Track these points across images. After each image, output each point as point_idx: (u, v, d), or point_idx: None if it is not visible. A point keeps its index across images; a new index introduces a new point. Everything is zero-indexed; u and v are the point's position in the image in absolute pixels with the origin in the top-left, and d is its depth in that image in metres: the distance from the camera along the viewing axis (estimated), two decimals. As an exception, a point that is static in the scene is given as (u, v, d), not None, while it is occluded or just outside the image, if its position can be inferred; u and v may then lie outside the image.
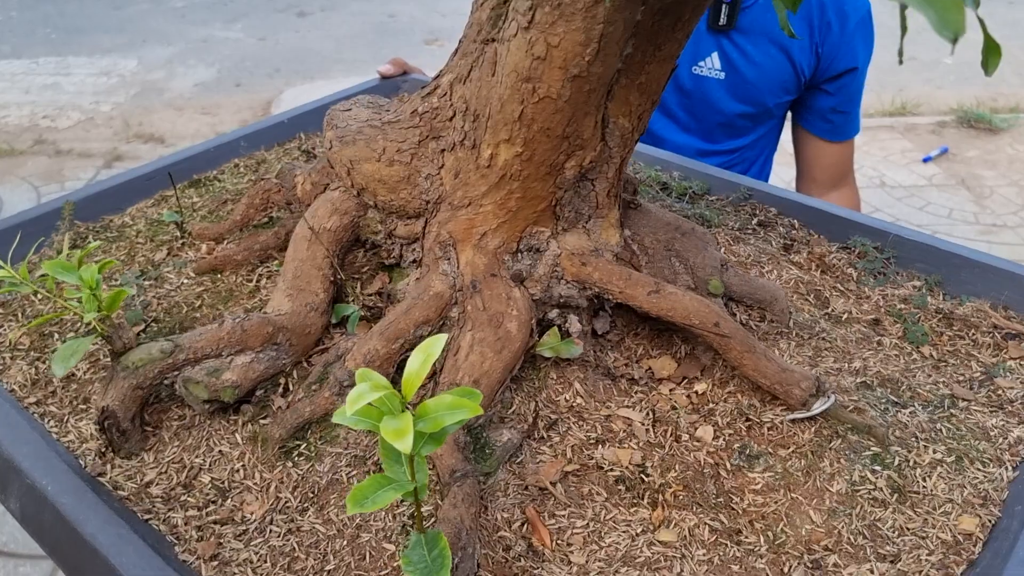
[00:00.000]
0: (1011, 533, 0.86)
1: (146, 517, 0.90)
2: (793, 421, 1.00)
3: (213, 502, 0.92)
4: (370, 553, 0.87)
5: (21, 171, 4.35)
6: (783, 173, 3.04)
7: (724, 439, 0.99)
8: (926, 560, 0.86)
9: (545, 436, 0.99)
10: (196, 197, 1.48)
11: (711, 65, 1.72)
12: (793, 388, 0.98)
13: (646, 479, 0.95)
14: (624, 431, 1.00)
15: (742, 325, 1.07)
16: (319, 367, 1.00)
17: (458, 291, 0.97)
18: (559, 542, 0.88)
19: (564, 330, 1.01)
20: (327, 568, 0.85)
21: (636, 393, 1.05)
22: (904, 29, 0.70)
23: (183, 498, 0.93)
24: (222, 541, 0.88)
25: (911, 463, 0.97)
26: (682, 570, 0.85)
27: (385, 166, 0.99)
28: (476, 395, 0.73)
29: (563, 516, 0.91)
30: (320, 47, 6.20)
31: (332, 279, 1.06)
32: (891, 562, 0.86)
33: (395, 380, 1.01)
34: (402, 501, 0.91)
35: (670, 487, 0.94)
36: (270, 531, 0.89)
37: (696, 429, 0.99)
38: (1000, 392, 1.09)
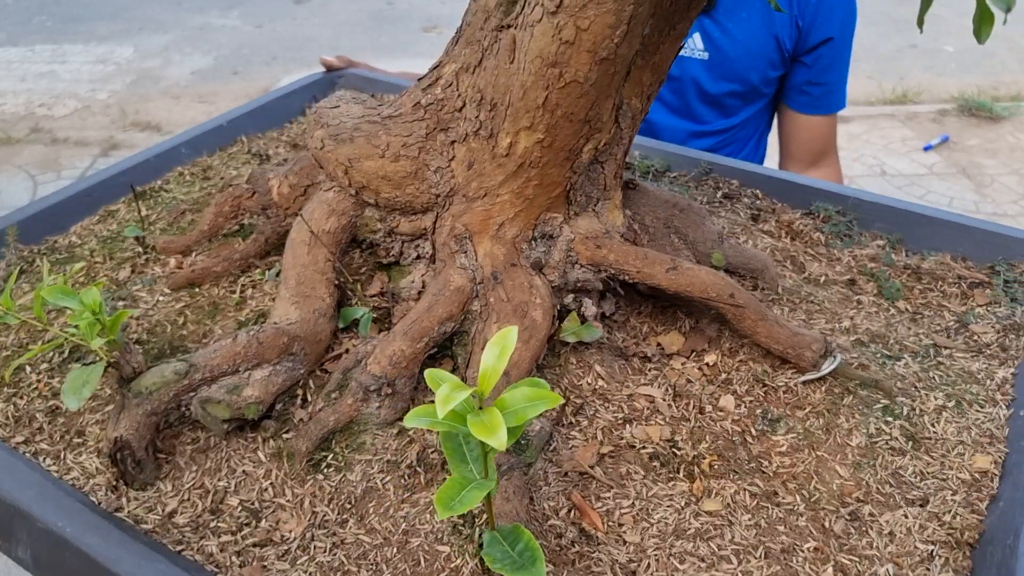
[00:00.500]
0: (1019, 467, 0.92)
1: (178, 548, 0.85)
2: (805, 383, 1.04)
3: (247, 524, 0.88)
4: (424, 558, 0.85)
5: (17, 160, 4.28)
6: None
7: (745, 406, 1.01)
8: (952, 500, 0.91)
9: (574, 421, 0.99)
10: (146, 210, 1.40)
11: (694, 46, 1.72)
12: (805, 351, 1.02)
13: (678, 453, 0.96)
14: (648, 408, 1.01)
15: (741, 295, 1.10)
16: (337, 374, 0.97)
17: (479, 284, 0.96)
18: (610, 524, 0.89)
19: (580, 314, 1.02)
20: (387, 578, 0.83)
21: (650, 370, 1.06)
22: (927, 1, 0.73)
23: (213, 524, 0.88)
24: (266, 564, 0.84)
25: (918, 411, 1.02)
26: (733, 536, 0.87)
27: (390, 162, 0.96)
28: (544, 384, 0.73)
29: (608, 498, 0.91)
30: (318, 34, 6.13)
31: (336, 283, 1.03)
32: (920, 506, 0.91)
33: (419, 378, 0.99)
34: (447, 501, 0.90)
35: (704, 458, 0.95)
36: (314, 547, 0.86)
37: (718, 399, 1.02)
38: (976, 337, 1.17)
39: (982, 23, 0.77)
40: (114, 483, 0.91)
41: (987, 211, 3.89)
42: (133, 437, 0.87)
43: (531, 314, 0.94)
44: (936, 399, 1.04)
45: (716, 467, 0.95)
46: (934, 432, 0.99)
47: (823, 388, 1.04)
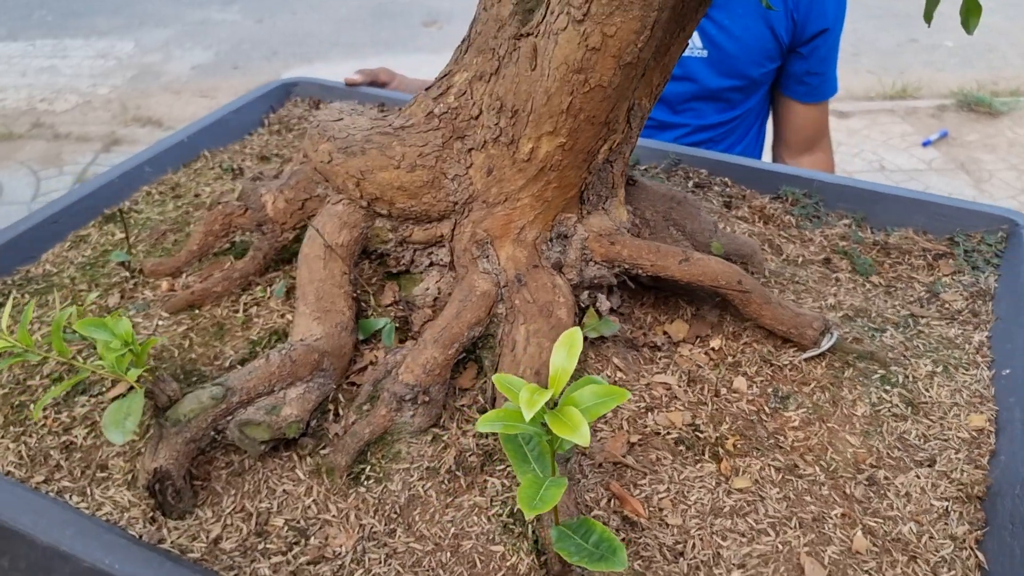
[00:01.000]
0: (1016, 422, 1.00)
1: (231, 574, 0.85)
2: (807, 360, 1.10)
3: (296, 543, 0.88)
4: (479, 559, 0.87)
5: (20, 155, 4.25)
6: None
7: (757, 386, 1.07)
8: (956, 458, 0.99)
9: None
10: (120, 233, 1.36)
11: (693, 44, 1.74)
12: (806, 329, 1.07)
13: (702, 436, 1.00)
14: (667, 396, 1.05)
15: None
16: (368, 386, 0.98)
17: (503, 287, 0.98)
18: (650, 509, 0.92)
19: (596, 309, 1.05)
20: (448, 582, 0.84)
21: (661, 359, 1.10)
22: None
23: (262, 546, 0.88)
24: (324, 580, 0.85)
25: (911, 378, 1.09)
26: (766, 510, 0.92)
27: (406, 172, 0.97)
28: (602, 381, 0.76)
29: (644, 484, 0.95)
30: (318, 29, 6.11)
31: (354, 295, 1.03)
32: (929, 466, 0.98)
33: (451, 383, 1.00)
34: (493, 499, 0.91)
35: (727, 439, 1.00)
36: (368, 560, 0.86)
37: (731, 382, 1.06)
38: (947, 305, 1.25)
39: (969, 15, 0.83)
40: (151, 514, 0.89)
41: None
42: (173, 466, 0.86)
43: (556, 313, 0.96)
44: (925, 366, 1.11)
45: (739, 446, 0.99)
46: (929, 396, 1.07)
47: (823, 363, 1.10)
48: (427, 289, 1.06)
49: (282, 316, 1.12)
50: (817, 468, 0.98)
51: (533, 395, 0.66)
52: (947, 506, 0.93)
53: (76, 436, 1.00)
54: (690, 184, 1.51)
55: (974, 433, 1.02)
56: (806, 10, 1.73)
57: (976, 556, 0.88)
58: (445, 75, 0.98)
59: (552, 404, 0.72)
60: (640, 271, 1.02)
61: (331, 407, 0.98)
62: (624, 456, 0.97)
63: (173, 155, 1.57)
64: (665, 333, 1.12)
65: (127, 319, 0.84)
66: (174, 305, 1.14)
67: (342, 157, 1.01)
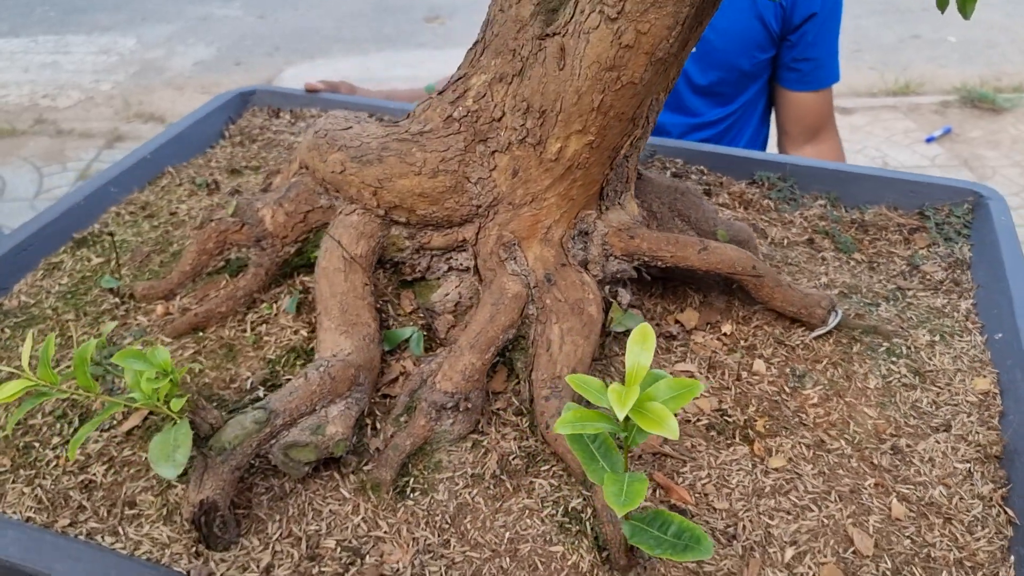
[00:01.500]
0: (1020, 384, 1.05)
1: (291, 601, 0.82)
2: (816, 338, 1.13)
3: (351, 564, 0.86)
4: (539, 561, 0.87)
5: (23, 151, 4.22)
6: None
7: (775, 367, 1.10)
8: (969, 422, 1.04)
9: (630, 406, 1.03)
10: (96, 257, 1.30)
11: None
12: (815, 309, 1.11)
13: (730, 420, 1.03)
14: (690, 383, 1.06)
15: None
16: (404, 396, 0.96)
17: (533, 288, 0.97)
18: (696, 495, 0.94)
19: (619, 303, 1.06)
20: (515, 587, 0.84)
21: (677, 348, 1.12)
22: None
23: (316, 570, 0.85)
24: (387, 598, 0.83)
25: (914, 348, 1.14)
26: (805, 487, 0.95)
27: (427, 178, 0.95)
28: (664, 374, 0.77)
29: (686, 472, 0.96)
30: (320, 25, 6.09)
31: (377, 306, 1.01)
32: (945, 431, 1.03)
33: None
34: (543, 500, 0.91)
35: (755, 420, 1.02)
36: (428, 573, 0.85)
37: (751, 365, 1.09)
38: (929, 277, 1.31)
39: (966, 1, 0.87)
40: (195, 549, 0.86)
41: None
42: (220, 497, 0.83)
43: (587, 310, 0.97)
44: (924, 336, 1.16)
45: (768, 427, 1.02)
46: (934, 364, 1.12)
47: (831, 341, 1.14)
48: (446, 295, 1.05)
49: (295, 332, 1.09)
50: (843, 442, 1.01)
51: (624, 394, 0.67)
52: (969, 467, 0.98)
53: (94, 474, 0.95)
54: (667, 174, 1.53)
55: (980, 396, 1.07)
56: None
57: (1005, 512, 0.92)
58: (460, 78, 0.97)
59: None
60: (660, 263, 1.04)
61: (368, 421, 0.96)
62: (661, 445, 0.98)
63: (137, 173, 1.51)
64: (677, 322, 1.14)
65: (164, 349, 0.80)
66: (176, 329, 1.10)
67: (357, 166, 0.99)
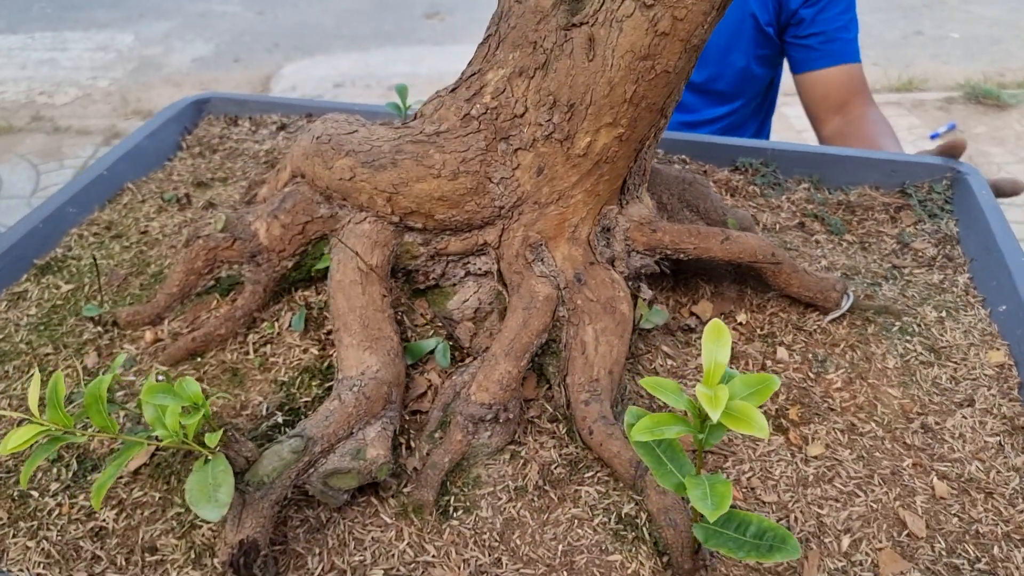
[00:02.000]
0: (1032, 352, 1.07)
1: (346, 640, 0.77)
2: (831, 321, 1.13)
3: (403, 593, 0.81)
4: (598, 572, 0.83)
5: (20, 148, 4.16)
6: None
7: (797, 354, 1.09)
8: (990, 395, 1.05)
9: (662, 405, 1.00)
10: (65, 283, 1.20)
11: None
12: (830, 293, 1.10)
13: (763, 410, 1.01)
14: (717, 376, 1.05)
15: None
16: (436, 411, 0.91)
17: (563, 289, 0.94)
18: (744, 490, 0.92)
19: (642, 299, 1.03)
20: (581, 602, 0.80)
21: (696, 341, 1.10)
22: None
23: (367, 603, 0.80)
24: (448, 626, 0.78)
25: (924, 326, 1.15)
26: (848, 472, 0.94)
27: (447, 180, 0.90)
28: (733, 372, 0.74)
29: (728, 467, 0.94)
30: (319, 21, 6.02)
31: (396, 318, 0.95)
32: (970, 406, 1.03)
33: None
34: (592, 508, 0.88)
35: (787, 409, 1.01)
36: (485, 595, 0.81)
37: (774, 352, 1.08)
38: (920, 254, 1.33)
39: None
40: (232, 592, 0.80)
41: None
42: (260, 535, 0.77)
43: (619, 309, 0.94)
44: (931, 313, 1.18)
45: (801, 415, 1.01)
46: (946, 340, 1.13)
47: (845, 323, 1.14)
48: (464, 301, 1.00)
49: (304, 351, 1.03)
50: (873, 424, 1.01)
51: (715, 395, 0.64)
52: (999, 440, 0.99)
53: (104, 520, 0.87)
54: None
55: (996, 369, 1.08)
56: None
57: (1043, 482, 0.94)
58: (474, 74, 0.92)
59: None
60: (682, 255, 1.02)
61: (401, 440, 0.91)
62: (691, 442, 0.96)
63: (95, 192, 1.41)
64: (693, 314, 1.12)
65: (193, 381, 0.73)
66: (173, 355, 1.02)
67: (368, 172, 0.93)
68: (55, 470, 0.93)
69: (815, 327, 1.13)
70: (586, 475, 0.92)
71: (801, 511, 0.90)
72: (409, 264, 1.00)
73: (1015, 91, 4.87)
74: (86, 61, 5.39)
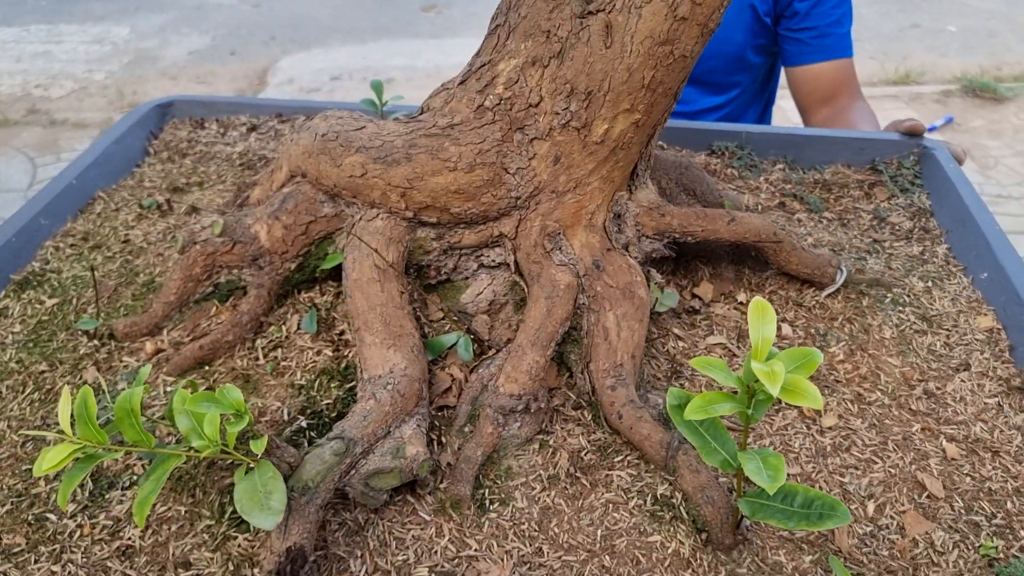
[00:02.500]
0: (1018, 318, 1.12)
1: (400, 640, 0.76)
2: (827, 296, 1.16)
3: (450, 589, 0.81)
4: (639, 554, 0.84)
5: (16, 142, 4.12)
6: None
7: (800, 329, 1.11)
8: (984, 359, 1.09)
9: (680, 386, 1.02)
10: (48, 298, 1.16)
11: None
12: (827, 268, 1.14)
13: (773, 386, 1.04)
14: (726, 355, 1.07)
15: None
16: (465, 405, 0.91)
17: (583, 276, 0.94)
18: (767, 465, 0.94)
19: (654, 283, 1.04)
20: (629, 584, 0.81)
21: (702, 322, 1.12)
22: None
23: (415, 602, 0.79)
24: (500, 619, 0.78)
25: (914, 296, 1.19)
26: (863, 441, 0.97)
27: (463, 173, 0.90)
28: (773, 350, 0.76)
29: (750, 443, 0.96)
30: (316, 14, 5.96)
31: (416, 314, 0.95)
32: (966, 370, 1.08)
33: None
34: (626, 492, 0.89)
35: (797, 383, 1.04)
36: (533, 584, 0.81)
37: (780, 329, 1.10)
38: (897, 227, 1.38)
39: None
40: (276, 601, 0.78)
41: (991, 192, 3.71)
42: (307, 541, 0.75)
43: (638, 294, 0.95)
44: (918, 283, 1.22)
45: (811, 388, 1.03)
46: (936, 309, 1.17)
47: (840, 298, 1.17)
48: (478, 294, 1.00)
49: (318, 353, 1.01)
50: (879, 393, 1.04)
51: (773, 370, 0.65)
52: (998, 401, 1.03)
53: (130, 538, 0.84)
54: (630, 152, 1.53)
55: (986, 333, 1.13)
56: None
57: (1044, 438, 0.98)
58: (484, 65, 0.91)
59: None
60: (690, 238, 1.03)
61: (432, 436, 0.91)
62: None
63: (65, 202, 1.35)
64: (696, 296, 1.14)
65: (233, 387, 0.71)
66: (179, 365, 1.00)
67: (380, 167, 0.92)
68: (75, 491, 0.89)
69: (813, 303, 1.16)
70: (616, 459, 0.92)
71: (824, 480, 0.92)
72: (421, 259, 0.99)
73: (1012, 84, 4.83)
74: (82, 54, 5.32)
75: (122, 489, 0.89)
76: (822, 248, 1.29)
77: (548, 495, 0.89)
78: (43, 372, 1.03)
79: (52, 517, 0.87)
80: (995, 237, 1.24)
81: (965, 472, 0.94)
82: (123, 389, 1.00)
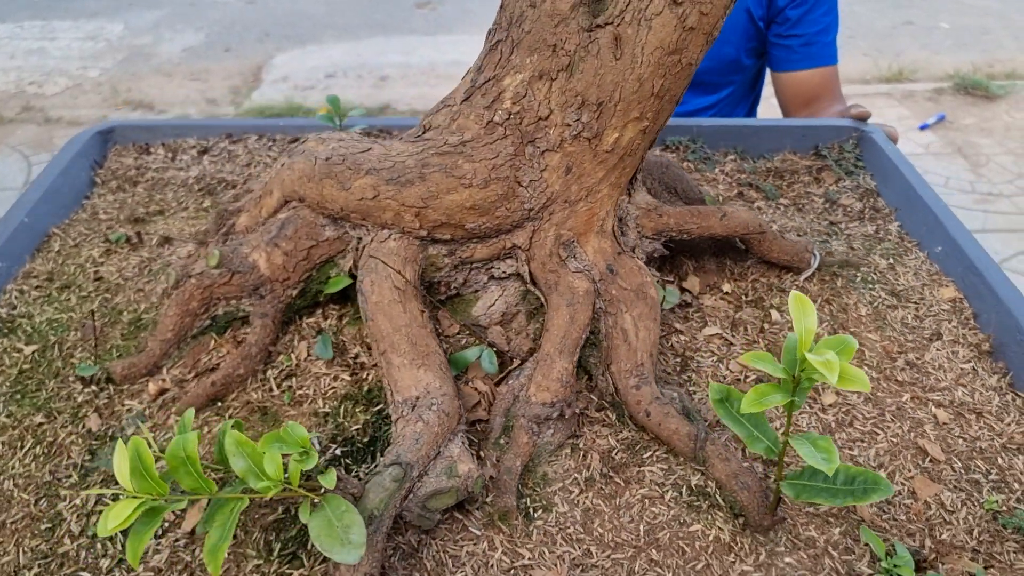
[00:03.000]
0: (978, 286, 1.21)
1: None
2: (805, 280, 1.23)
3: (512, 600, 0.82)
4: (683, 544, 0.88)
5: (11, 139, 4.10)
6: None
7: (786, 314, 1.17)
8: (953, 328, 1.18)
9: (687, 378, 1.06)
10: (25, 345, 1.10)
11: None
12: (804, 254, 1.20)
13: (772, 370, 1.09)
14: (724, 345, 1.12)
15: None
16: (499, 418, 0.92)
17: (598, 282, 0.96)
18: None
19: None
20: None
21: (694, 315, 1.16)
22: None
23: (481, 617, 0.80)
24: (566, 623, 0.80)
25: (880, 273, 1.27)
26: (862, 415, 1.04)
27: (479, 189, 0.90)
28: (810, 337, 0.80)
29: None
30: (311, 10, 5.94)
31: (438, 332, 0.95)
32: (939, 339, 1.16)
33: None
34: (660, 486, 0.92)
35: (794, 366, 1.09)
36: (589, 586, 0.84)
37: (769, 316, 1.16)
38: (848, 208, 1.46)
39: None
40: (345, 634, 0.78)
41: (983, 190, 3.72)
42: (375, 571, 0.75)
43: (649, 294, 0.98)
44: (880, 261, 1.30)
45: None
46: (902, 284, 1.25)
47: (816, 280, 1.24)
48: (490, 306, 1.01)
49: (335, 379, 1.00)
50: (866, 368, 1.11)
51: (830, 360, 0.69)
52: (973, 366, 1.12)
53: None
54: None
55: (951, 303, 1.22)
56: None
57: (1018, 396, 1.07)
58: (489, 80, 0.92)
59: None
60: (686, 235, 1.07)
61: (471, 452, 0.91)
62: (731, 408, 1.02)
63: (20, 241, 1.28)
64: (685, 290, 1.19)
65: (298, 425, 0.71)
66: (192, 403, 0.97)
67: (393, 188, 0.92)
68: (100, 547, 0.86)
69: (792, 287, 1.22)
70: (645, 456, 0.95)
71: (839, 454, 0.98)
72: (433, 276, 0.99)
73: (1003, 82, 4.82)
74: (76, 51, 5.27)
75: (156, 536, 0.86)
76: (788, 234, 1.35)
77: (587, 497, 0.91)
78: (40, 424, 0.98)
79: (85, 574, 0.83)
80: (942, 212, 1.33)
81: (957, 435, 1.02)
82: (133, 434, 0.96)
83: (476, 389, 0.96)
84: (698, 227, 1.07)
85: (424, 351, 0.91)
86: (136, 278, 1.19)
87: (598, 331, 0.98)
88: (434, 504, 0.80)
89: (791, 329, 1.15)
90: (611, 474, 0.94)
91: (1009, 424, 1.03)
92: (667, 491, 0.92)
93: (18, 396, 1.02)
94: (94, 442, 0.96)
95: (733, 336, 1.13)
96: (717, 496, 0.91)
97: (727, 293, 1.21)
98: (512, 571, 0.84)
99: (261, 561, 0.83)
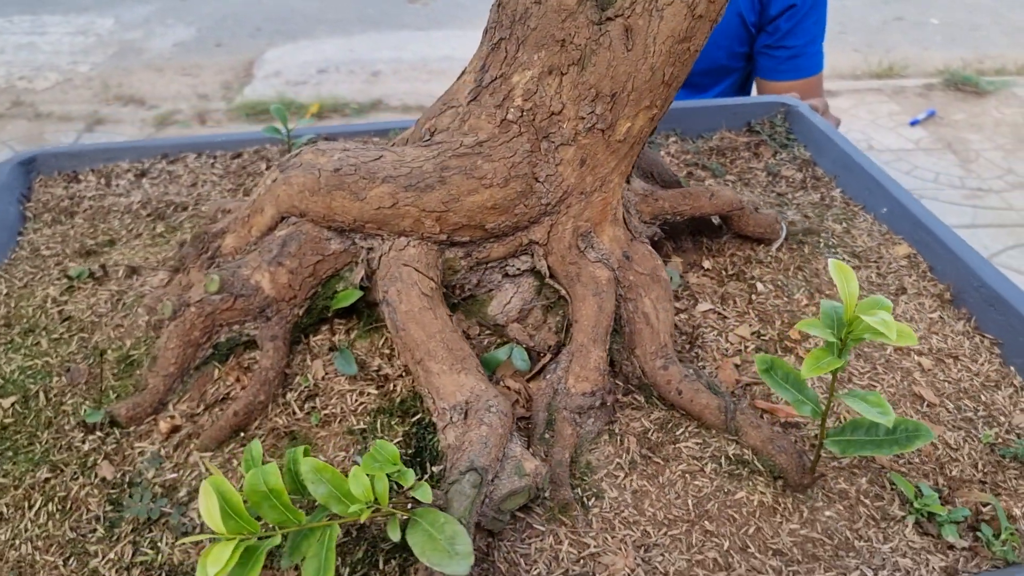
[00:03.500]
0: (928, 242, 1.31)
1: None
2: (777, 250, 1.29)
3: (589, 589, 0.83)
4: (732, 513, 0.91)
5: (1, 135, 4.07)
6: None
7: (769, 284, 1.23)
8: (913, 282, 1.27)
9: (696, 355, 1.10)
10: (4, 398, 1.01)
11: None
12: (775, 226, 1.26)
13: (768, 338, 1.14)
14: (719, 319, 1.16)
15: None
16: (541, 412, 0.92)
17: (617, 269, 0.98)
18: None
19: (654, 265, 1.10)
20: (733, 546, 0.88)
21: (683, 293, 1.20)
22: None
23: (564, 610, 0.81)
24: (646, 603, 0.82)
25: (837, 236, 1.35)
26: (858, 370, 1.10)
27: (499, 188, 0.90)
28: (838, 306, 0.85)
29: (772, 395, 1.06)
30: (303, 6, 5.88)
31: (467, 335, 0.94)
32: (904, 293, 1.25)
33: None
34: (699, 459, 0.95)
35: (787, 332, 1.15)
36: (655, 563, 0.86)
37: (755, 287, 1.21)
38: (790, 179, 1.54)
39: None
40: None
41: (972, 186, 3.72)
42: (467, 578, 0.75)
43: (662, 276, 1.01)
44: (835, 225, 1.38)
45: (800, 334, 1.15)
46: (860, 245, 1.34)
47: (785, 249, 1.31)
48: (506, 304, 1.01)
49: (362, 394, 0.97)
50: (847, 327, 1.18)
51: (886, 320, 0.74)
52: (939, 315, 1.21)
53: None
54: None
55: (907, 259, 1.31)
56: None
57: (984, 336, 1.17)
58: (496, 79, 0.92)
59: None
60: (679, 217, 1.11)
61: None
62: (738, 380, 1.07)
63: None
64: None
65: (387, 443, 0.69)
66: (214, 437, 0.92)
67: (413, 195, 0.90)
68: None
69: (768, 258, 1.28)
70: (678, 432, 0.98)
71: (846, 410, 1.04)
72: (450, 280, 0.98)
73: (993, 78, 4.84)
74: (66, 45, 5.22)
75: None
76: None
77: (632, 480, 0.94)
78: (47, 479, 0.91)
79: (144, 631, 0.78)
80: (882, 176, 1.43)
81: (942, 379, 1.10)
82: (152, 478, 0.91)
83: (509, 387, 0.96)
84: (691, 208, 1.10)
85: (460, 355, 0.90)
86: (111, 313, 1.12)
87: (620, 317, 1.00)
88: (508, 505, 0.80)
89: (776, 298, 1.21)
90: (650, 454, 0.96)
91: (983, 364, 1.13)
92: (706, 464, 0.95)
93: (9, 453, 0.94)
94: (112, 491, 0.90)
95: (725, 310, 1.18)
96: (755, 462, 0.95)
97: (708, 269, 1.26)
98: (581, 561, 0.85)
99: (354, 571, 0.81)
